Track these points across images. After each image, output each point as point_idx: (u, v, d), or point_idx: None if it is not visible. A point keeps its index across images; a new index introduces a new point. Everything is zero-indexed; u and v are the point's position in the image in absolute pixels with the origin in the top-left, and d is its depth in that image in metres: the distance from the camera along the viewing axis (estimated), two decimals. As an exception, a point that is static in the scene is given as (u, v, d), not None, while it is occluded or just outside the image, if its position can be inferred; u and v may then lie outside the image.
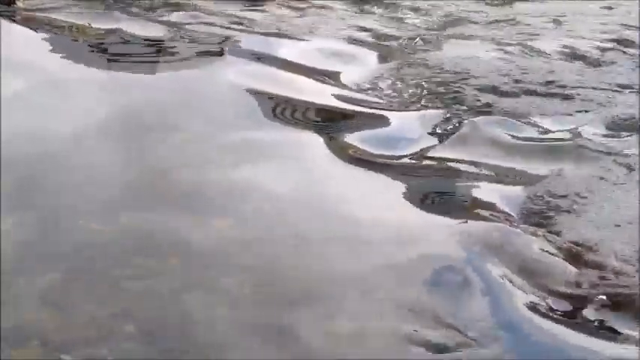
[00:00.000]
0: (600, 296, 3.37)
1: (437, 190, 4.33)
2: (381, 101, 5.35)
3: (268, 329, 3.09)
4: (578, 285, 3.44)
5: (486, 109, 5.19)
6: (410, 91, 5.48)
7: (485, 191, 4.21)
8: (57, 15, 6.44)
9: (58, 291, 3.23)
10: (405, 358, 3.01)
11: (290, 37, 6.52)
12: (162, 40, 6.09)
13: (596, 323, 3.25)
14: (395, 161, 4.54)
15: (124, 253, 3.46)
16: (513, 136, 4.85)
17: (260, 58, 5.92)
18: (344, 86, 5.60)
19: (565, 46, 6.58)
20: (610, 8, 7.67)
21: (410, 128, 4.94)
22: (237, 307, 3.20)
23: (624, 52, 6.54)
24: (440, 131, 4.91)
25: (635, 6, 7.59)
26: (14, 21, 6.23)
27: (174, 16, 6.77)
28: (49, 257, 3.42)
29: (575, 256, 3.65)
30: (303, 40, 6.50)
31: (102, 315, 3.11)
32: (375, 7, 7.43)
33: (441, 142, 4.77)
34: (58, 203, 3.80)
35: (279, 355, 2.98)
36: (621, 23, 7.30)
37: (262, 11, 7.14)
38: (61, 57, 5.56)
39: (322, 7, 7.41)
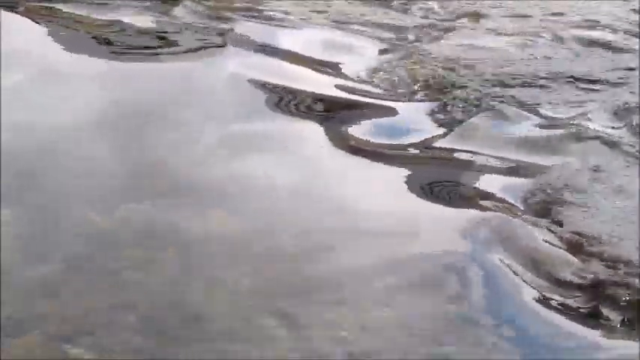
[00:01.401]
0: (602, 286, 3.37)
1: (440, 180, 4.31)
2: (385, 92, 5.35)
3: (267, 320, 3.09)
4: (580, 275, 3.44)
5: (491, 100, 5.18)
6: (414, 81, 5.48)
7: (488, 182, 4.21)
8: (59, 5, 6.43)
9: (58, 282, 3.23)
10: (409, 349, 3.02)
11: (293, 28, 6.51)
12: (164, 31, 6.08)
13: (598, 314, 3.25)
14: (398, 152, 4.54)
15: (123, 244, 3.46)
16: (518, 127, 4.84)
17: (262, 48, 5.91)
18: (347, 77, 5.59)
19: (571, 36, 6.56)
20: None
21: (413, 119, 4.93)
22: (236, 298, 3.20)
23: (632, 42, 6.53)
24: (443, 122, 4.90)
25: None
26: (15, 12, 6.22)
27: (176, 7, 6.76)
28: (49, 248, 3.42)
29: (577, 246, 3.65)
30: (306, 30, 6.49)
31: (102, 306, 3.11)
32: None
33: (444, 132, 4.76)
34: (57, 195, 3.80)
35: (277, 345, 2.98)
36: (631, 13, 7.28)
37: (265, 1, 7.13)
38: (61, 48, 5.54)
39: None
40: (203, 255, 3.44)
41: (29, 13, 6.20)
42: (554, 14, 7.25)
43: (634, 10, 7.38)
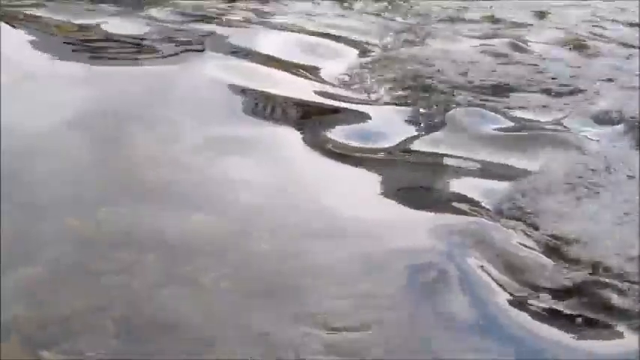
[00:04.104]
0: (579, 290, 3.38)
1: (416, 183, 4.33)
2: (361, 96, 5.36)
3: (247, 324, 3.10)
4: (556, 279, 3.45)
5: (467, 103, 5.20)
6: (390, 85, 5.49)
7: (464, 185, 4.22)
8: (38, 11, 6.43)
9: (36, 286, 3.22)
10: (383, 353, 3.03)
11: (271, 32, 6.52)
12: (143, 36, 6.08)
13: (573, 317, 3.26)
14: (374, 155, 4.55)
15: (102, 248, 3.46)
16: (494, 130, 4.86)
17: (240, 53, 5.92)
18: (324, 81, 5.61)
19: (547, 40, 6.60)
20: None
21: (390, 122, 4.95)
22: (215, 301, 3.20)
23: (606, 44, 6.58)
24: (420, 125, 4.91)
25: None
26: (-6, 17, 6.22)
27: (155, 12, 6.77)
28: (28, 252, 3.41)
29: (554, 250, 3.66)
30: (284, 35, 6.50)
31: (81, 310, 3.11)
32: (357, 2, 7.44)
33: (421, 135, 4.77)
34: (35, 198, 3.79)
35: (256, 349, 2.99)
36: (604, 16, 7.33)
37: (243, 6, 7.14)
38: (40, 53, 5.54)
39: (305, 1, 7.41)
40: (182, 258, 3.44)
41: (6, 19, 6.19)
42: (534, 18, 7.28)
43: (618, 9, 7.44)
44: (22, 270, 3.29)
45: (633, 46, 6.62)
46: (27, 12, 6.39)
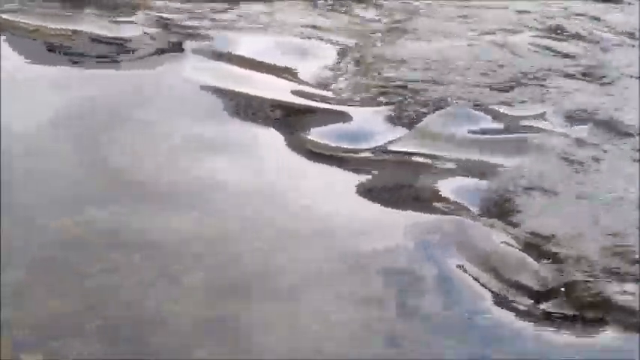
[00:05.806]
0: (558, 287, 3.41)
1: (396, 183, 4.35)
2: (340, 97, 5.36)
3: (232, 323, 3.12)
4: (535, 276, 3.47)
5: (445, 101, 5.21)
6: (369, 85, 5.50)
7: (443, 184, 4.24)
8: (16, 17, 6.40)
9: (23, 287, 3.24)
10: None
11: (250, 34, 6.51)
12: (123, 39, 6.07)
13: (552, 314, 3.29)
14: (354, 155, 4.57)
15: (87, 249, 3.47)
16: (473, 128, 4.87)
17: (221, 55, 5.91)
18: (303, 82, 5.61)
19: (523, 38, 6.62)
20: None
21: (369, 122, 4.96)
22: (201, 302, 3.22)
23: (584, 42, 6.59)
24: (399, 125, 4.92)
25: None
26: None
27: (135, 16, 6.75)
28: (15, 253, 3.42)
29: (533, 247, 3.69)
30: (264, 37, 6.50)
31: (67, 311, 3.12)
32: (334, 3, 7.43)
33: (400, 135, 4.78)
34: (20, 200, 3.80)
35: (242, 349, 3.01)
36: (582, 13, 7.36)
37: (223, 8, 7.12)
38: (19, 57, 5.54)
39: (283, 3, 7.40)
40: (168, 259, 3.45)
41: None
42: (507, 16, 7.29)
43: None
44: (9, 272, 3.30)
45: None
46: (4, 17, 6.36)
